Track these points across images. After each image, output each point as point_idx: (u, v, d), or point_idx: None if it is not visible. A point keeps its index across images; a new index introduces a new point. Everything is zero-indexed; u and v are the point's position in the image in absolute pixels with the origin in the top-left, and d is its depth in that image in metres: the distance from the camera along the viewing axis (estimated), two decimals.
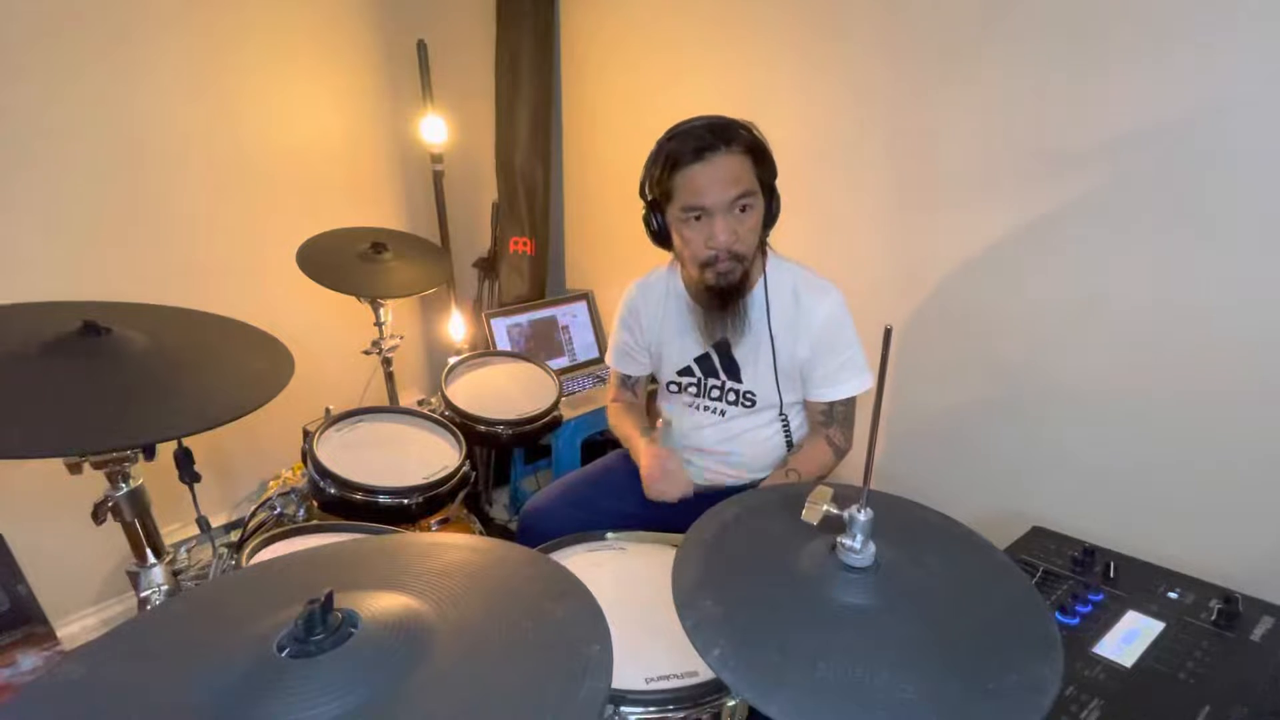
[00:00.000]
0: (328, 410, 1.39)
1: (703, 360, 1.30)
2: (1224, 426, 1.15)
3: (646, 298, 1.34)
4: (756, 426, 1.31)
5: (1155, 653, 0.90)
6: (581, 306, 2.34)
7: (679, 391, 1.35)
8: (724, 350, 1.27)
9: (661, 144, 1.12)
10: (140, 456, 0.90)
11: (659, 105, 1.97)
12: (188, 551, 1.10)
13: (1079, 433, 1.32)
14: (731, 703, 0.81)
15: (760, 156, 1.12)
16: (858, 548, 0.66)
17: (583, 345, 2.32)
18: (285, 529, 1.12)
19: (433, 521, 1.48)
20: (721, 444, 1.32)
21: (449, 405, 1.52)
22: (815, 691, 0.55)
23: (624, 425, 1.41)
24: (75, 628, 1.71)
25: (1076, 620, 0.96)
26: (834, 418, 1.27)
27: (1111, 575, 1.06)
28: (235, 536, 1.73)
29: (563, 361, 2.26)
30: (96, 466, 0.88)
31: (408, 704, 0.48)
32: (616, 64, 2.07)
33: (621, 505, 1.33)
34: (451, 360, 1.67)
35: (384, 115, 2.00)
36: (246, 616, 0.57)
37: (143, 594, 0.98)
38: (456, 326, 2.12)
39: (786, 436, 1.32)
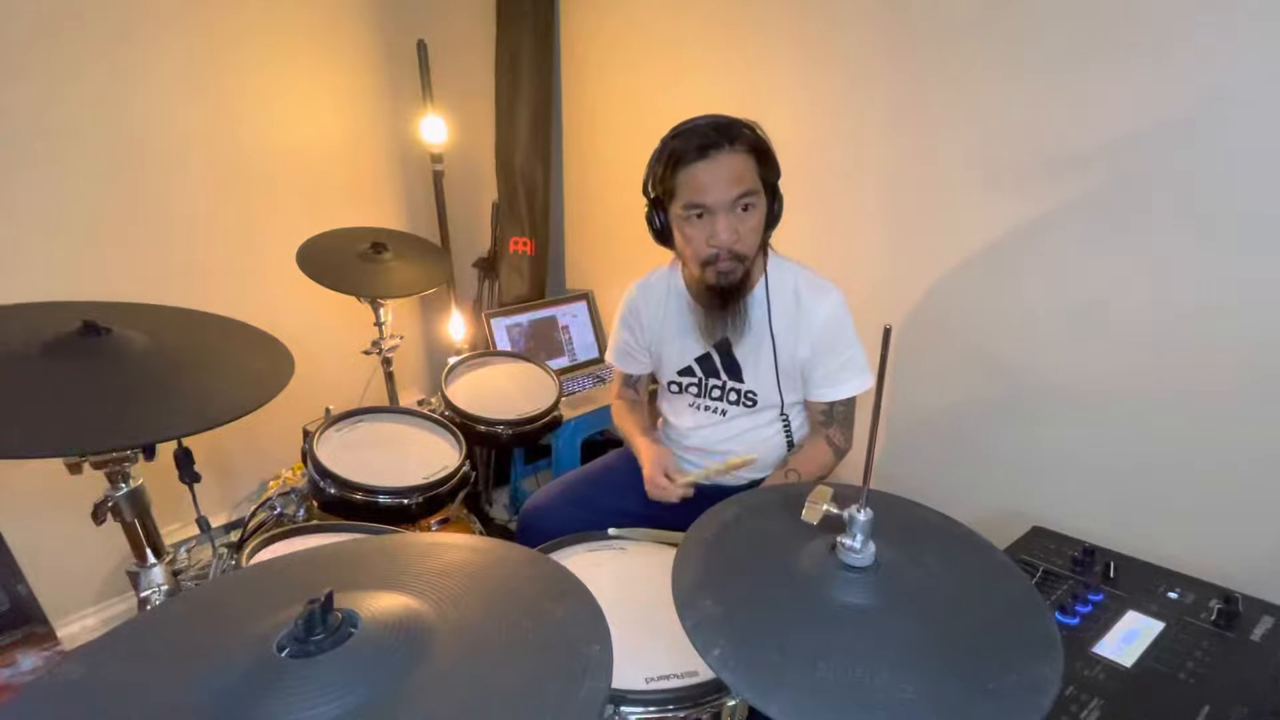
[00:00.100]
0: (328, 410, 1.39)
1: (704, 360, 1.30)
2: (1224, 426, 1.15)
3: (647, 298, 1.34)
4: (757, 426, 1.31)
5: (1155, 653, 0.90)
6: (581, 306, 2.34)
7: (680, 391, 1.35)
8: (725, 350, 1.27)
9: (665, 142, 1.12)
10: (140, 456, 0.90)
11: (659, 105, 1.97)
12: (188, 551, 1.10)
13: (1079, 433, 1.32)
14: (731, 703, 0.81)
15: (763, 156, 1.11)
16: (858, 547, 0.66)
17: (583, 345, 2.32)
18: (285, 529, 1.12)
19: (433, 521, 1.48)
20: (722, 444, 1.32)
21: (449, 405, 1.52)
22: (815, 691, 0.55)
23: (626, 423, 1.41)
24: (75, 628, 1.71)
25: (1076, 620, 0.96)
26: (834, 418, 1.27)
27: (1111, 575, 1.06)
28: (235, 536, 1.73)
29: (563, 361, 2.26)
30: (96, 466, 0.89)
31: (408, 704, 0.48)
32: (616, 64, 2.07)
33: (622, 504, 1.33)
34: (451, 360, 1.67)
35: (384, 115, 2.00)
36: (246, 616, 0.57)
37: (143, 594, 0.98)
38: (456, 326, 2.12)
39: (787, 436, 1.32)
